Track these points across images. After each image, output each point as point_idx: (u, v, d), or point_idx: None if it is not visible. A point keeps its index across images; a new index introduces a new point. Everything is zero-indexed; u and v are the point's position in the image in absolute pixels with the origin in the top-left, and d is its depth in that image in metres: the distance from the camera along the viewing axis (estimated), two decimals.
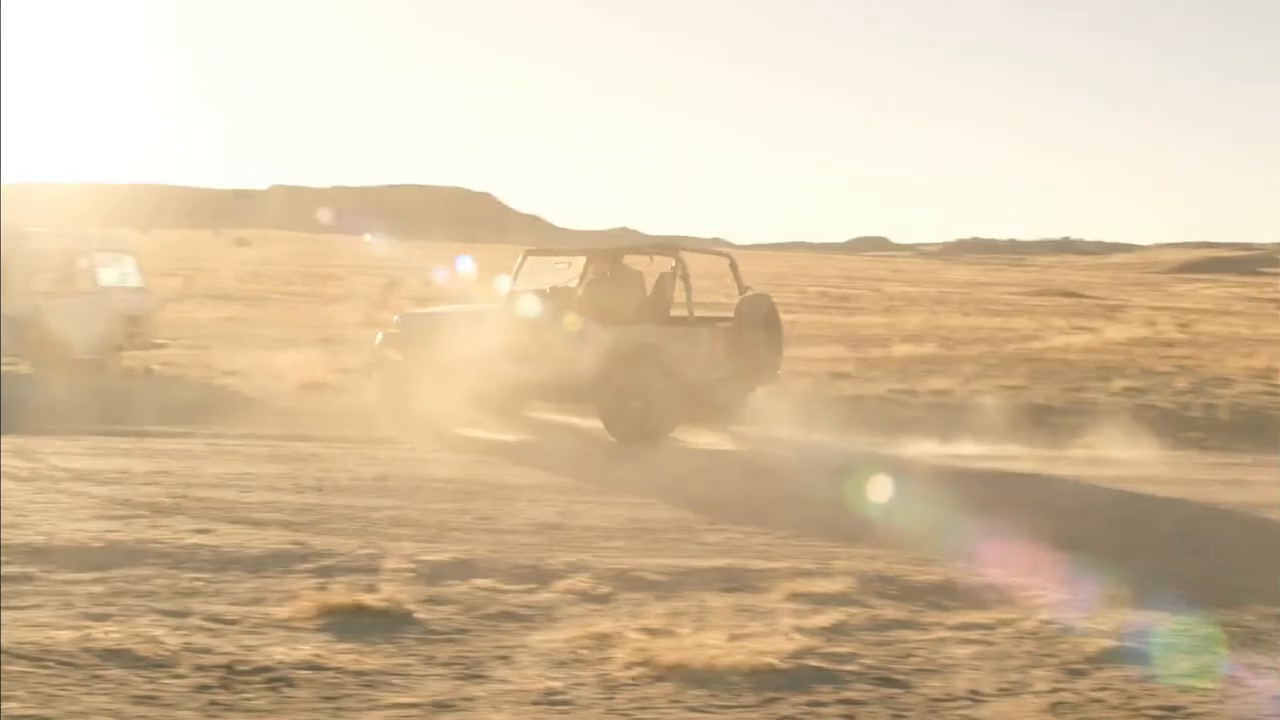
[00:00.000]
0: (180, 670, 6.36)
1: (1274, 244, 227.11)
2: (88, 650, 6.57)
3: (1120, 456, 14.75)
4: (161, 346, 21.78)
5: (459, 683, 6.38)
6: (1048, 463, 14.39)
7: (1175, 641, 7.09)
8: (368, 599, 7.53)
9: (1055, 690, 6.45)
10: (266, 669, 6.41)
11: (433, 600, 7.77)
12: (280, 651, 6.66)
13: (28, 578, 8.08)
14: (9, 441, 13.56)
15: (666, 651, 6.63)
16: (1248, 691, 6.48)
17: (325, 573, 8.43)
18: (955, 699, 6.33)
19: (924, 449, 14.95)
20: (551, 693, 6.26)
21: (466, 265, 42.31)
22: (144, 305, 21.90)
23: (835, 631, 7.26)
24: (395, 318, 17.45)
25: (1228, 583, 8.62)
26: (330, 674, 6.40)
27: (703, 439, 15.65)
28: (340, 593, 7.65)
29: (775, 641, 6.85)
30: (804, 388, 18.50)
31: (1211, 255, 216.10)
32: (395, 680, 6.38)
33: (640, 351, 15.32)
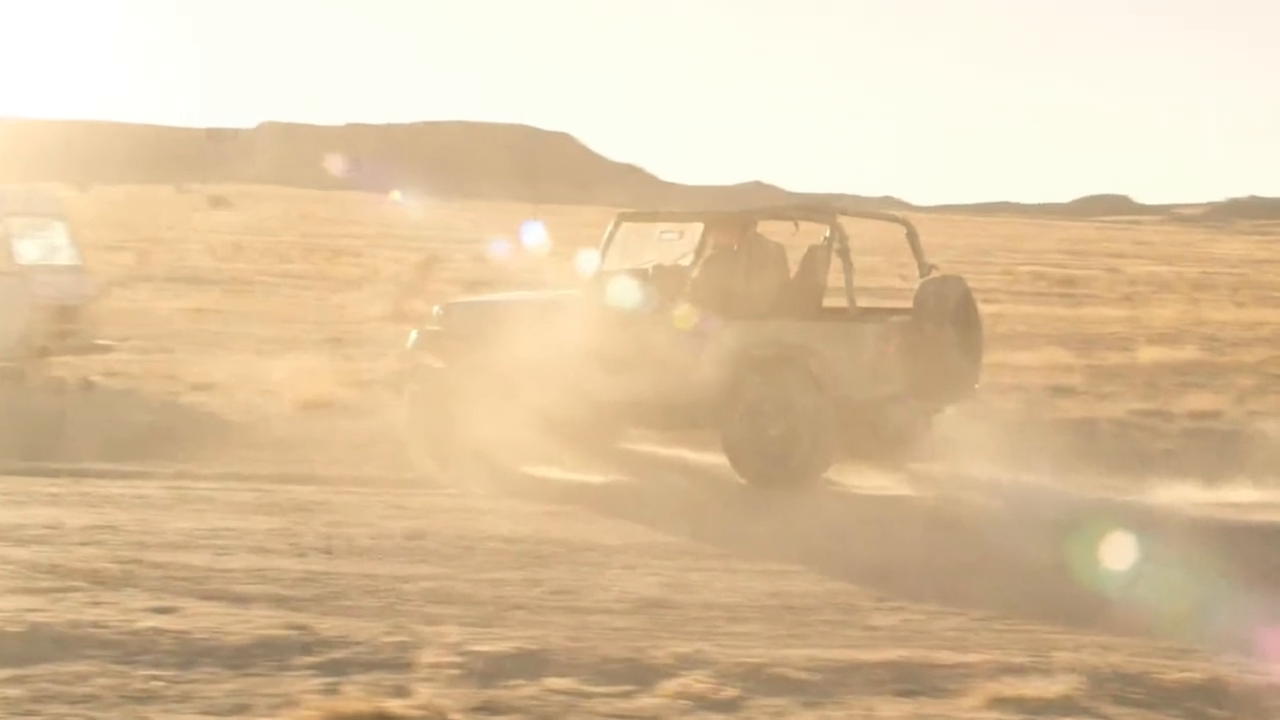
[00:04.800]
0: None
1: None
2: None
3: None
4: (105, 349, 22.01)
5: None
6: None
7: None
8: (396, 706, 7.55)
9: None
10: None
11: (488, 708, 7.79)
12: None
13: None
14: None
15: None
16: None
17: (336, 669, 8.46)
18: None
19: (1181, 495, 14.88)
20: None
21: (536, 234, 42.57)
22: (80, 291, 22.13)
23: None
24: (436, 309, 17.53)
25: None
26: None
27: (869, 480, 15.64)
28: (357, 697, 7.68)
29: None
30: (1012, 408, 18.46)
31: None
32: None
33: (780, 357, 15.31)
